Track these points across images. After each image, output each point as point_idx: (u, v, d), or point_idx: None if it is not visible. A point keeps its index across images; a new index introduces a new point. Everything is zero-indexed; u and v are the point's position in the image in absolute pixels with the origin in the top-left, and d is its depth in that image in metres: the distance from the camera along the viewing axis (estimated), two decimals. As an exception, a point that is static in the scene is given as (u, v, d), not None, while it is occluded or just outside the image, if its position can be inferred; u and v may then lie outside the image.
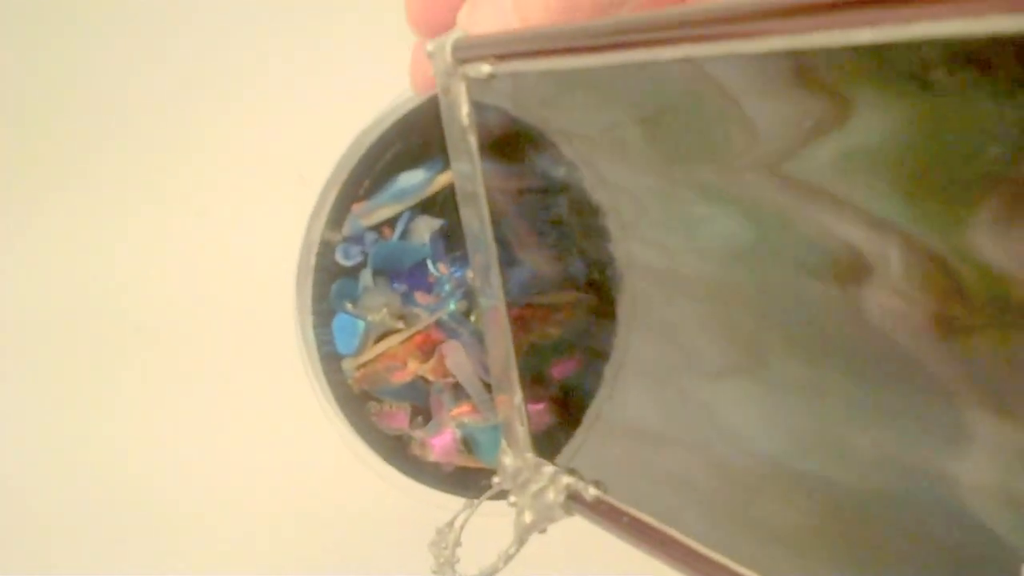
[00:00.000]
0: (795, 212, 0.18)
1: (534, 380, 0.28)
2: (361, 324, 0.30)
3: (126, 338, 0.50)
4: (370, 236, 0.31)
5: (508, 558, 0.26)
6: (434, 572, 0.27)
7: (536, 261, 0.28)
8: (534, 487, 0.27)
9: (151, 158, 0.52)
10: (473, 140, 0.27)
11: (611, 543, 0.24)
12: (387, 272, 0.31)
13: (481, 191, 0.27)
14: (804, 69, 0.17)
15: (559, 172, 0.26)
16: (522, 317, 0.28)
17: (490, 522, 0.28)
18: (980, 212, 0.15)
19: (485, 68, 0.26)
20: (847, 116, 0.17)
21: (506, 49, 0.25)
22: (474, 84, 0.27)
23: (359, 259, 0.31)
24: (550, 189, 0.27)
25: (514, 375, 0.28)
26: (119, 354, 0.50)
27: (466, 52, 0.26)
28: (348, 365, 0.30)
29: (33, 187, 0.52)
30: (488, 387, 0.31)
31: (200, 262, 0.51)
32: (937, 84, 0.15)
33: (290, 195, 0.37)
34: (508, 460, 0.28)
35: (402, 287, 0.31)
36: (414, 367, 0.30)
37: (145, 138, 0.52)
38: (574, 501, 0.26)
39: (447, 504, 0.31)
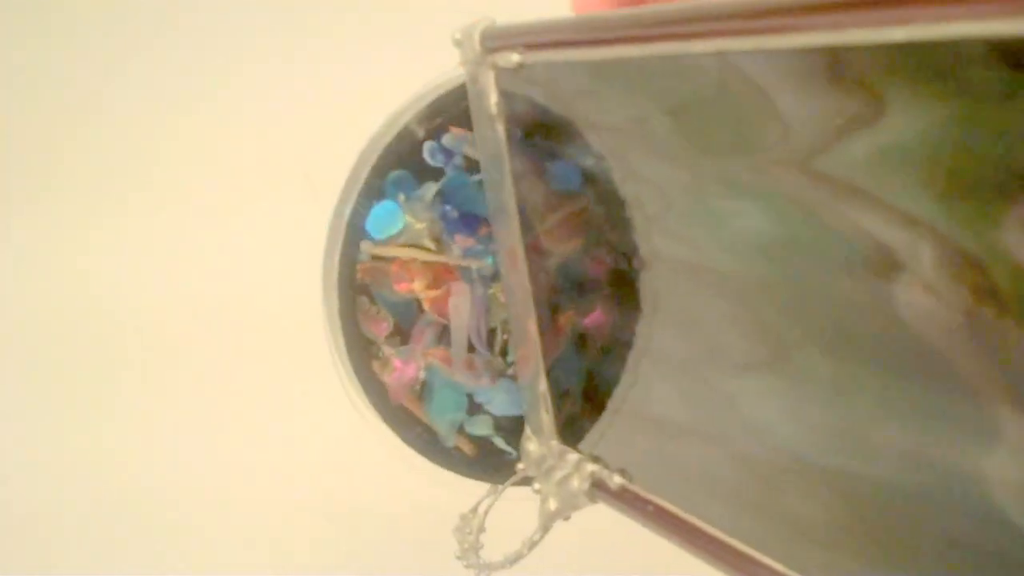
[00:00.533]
0: (824, 208, 0.18)
1: (558, 363, 0.29)
2: (401, 221, 0.30)
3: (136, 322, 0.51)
4: (458, 159, 0.30)
5: (533, 544, 0.26)
6: (458, 557, 0.27)
7: (562, 249, 0.28)
8: (559, 474, 0.27)
9: (157, 148, 0.53)
10: (501, 128, 0.27)
11: (630, 532, 0.24)
12: (449, 199, 0.30)
13: (508, 180, 0.27)
14: (836, 66, 0.17)
15: (586, 162, 0.26)
16: (547, 300, 0.28)
17: (513, 506, 0.28)
18: (1012, 211, 0.15)
19: (515, 57, 0.26)
20: (879, 114, 0.17)
21: (536, 39, 0.25)
22: (503, 73, 0.27)
23: (437, 166, 0.30)
24: (577, 180, 0.27)
25: (539, 361, 0.28)
26: (130, 342, 0.51)
27: (495, 41, 0.26)
28: (366, 247, 0.30)
29: (37, 191, 0.53)
30: (471, 348, 0.31)
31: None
32: (970, 83, 0.15)
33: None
34: (533, 447, 0.28)
35: (453, 220, 0.30)
36: (418, 287, 0.30)
37: (148, 133, 0.53)
38: (598, 489, 0.26)
39: (362, 429, 0.32)
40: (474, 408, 0.31)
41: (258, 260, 0.50)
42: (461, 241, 0.31)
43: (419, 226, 0.30)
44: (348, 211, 0.30)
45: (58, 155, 0.53)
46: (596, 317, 0.28)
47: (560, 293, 0.28)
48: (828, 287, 0.19)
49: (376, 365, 0.31)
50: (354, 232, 0.30)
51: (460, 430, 0.31)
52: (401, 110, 0.30)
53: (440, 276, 0.31)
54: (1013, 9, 0.14)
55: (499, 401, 0.30)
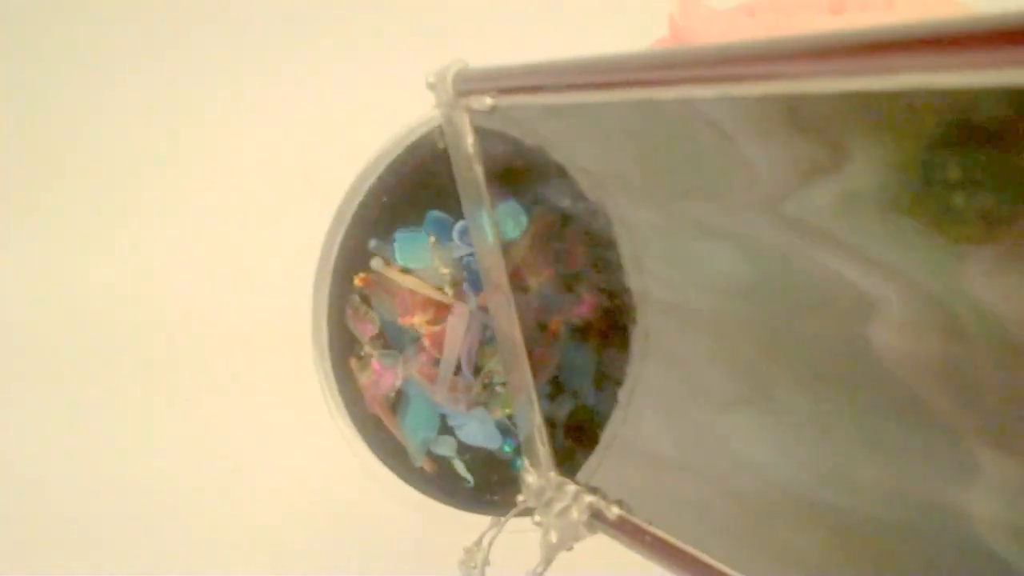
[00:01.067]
0: (794, 250, 0.19)
1: (551, 396, 0.29)
2: (427, 261, 0.30)
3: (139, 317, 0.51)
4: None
5: (536, 577, 0.27)
6: (465, 592, 0.28)
7: (549, 286, 0.28)
8: (558, 506, 0.27)
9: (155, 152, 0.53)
10: (479, 169, 0.28)
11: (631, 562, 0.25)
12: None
13: (490, 221, 0.28)
14: (797, 114, 0.18)
15: (567, 202, 0.26)
16: (537, 336, 0.29)
17: (514, 538, 0.29)
18: (976, 256, 0.15)
19: (488, 101, 0.26)
20: (841, 160, 0.17)
21: (507, 83, 0.25)
22: (477, 114, 0.27)
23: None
24: (557, 218, 0.27)
25: (532, 391, 0.29)
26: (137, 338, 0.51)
27: (468, 84, 0.27)
28: (376, 264, 0.30)
29: (37, 192, 0.53)
30: (458, 370, 0.31)
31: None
32: (928, 132, 0.16)
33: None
34: (532, 479, 0.29)
35: (477, 274, 0.30)
36: (419, 320, 0.30)
37: (144, 135, 0.53)
38: (597, 520, 0.26)
39: (328, 426, 0.31)
40: (444, 429, 0.31)
41: (258, 259, 0.51)
42: (481, 298, 0.31)
43: (443, 271, 0.30)
44: (356, 204, 0.30)
45: (58, 159, 0.53)
46: (585, 352, 0.28)
47: (549, 329, 0.28)
48: (804, 327, 0.19)
49: (354, 363, 0.31)
50: (364, 239, 0.30)
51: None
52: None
53: (443, 313, 0.31)
54: (962, 63, 0.14)
55: (470, 429, 0.30)
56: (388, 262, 0.30)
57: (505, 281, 0.28)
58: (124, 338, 0.52)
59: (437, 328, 0.30)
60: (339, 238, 0.30)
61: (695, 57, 0.19)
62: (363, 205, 0.30)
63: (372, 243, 0.30)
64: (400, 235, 0.30)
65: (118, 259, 0.53)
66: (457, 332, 0.30)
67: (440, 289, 0.30)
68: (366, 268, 0.30)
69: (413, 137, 0.29)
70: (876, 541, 0.19)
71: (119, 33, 0.54)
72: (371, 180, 0.30)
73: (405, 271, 0.30)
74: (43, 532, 0.49)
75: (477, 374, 0.31)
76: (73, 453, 0.50)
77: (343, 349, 0.31)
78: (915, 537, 0.18)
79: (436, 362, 0.31)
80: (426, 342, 0.30)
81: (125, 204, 0.53)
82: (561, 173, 0.26)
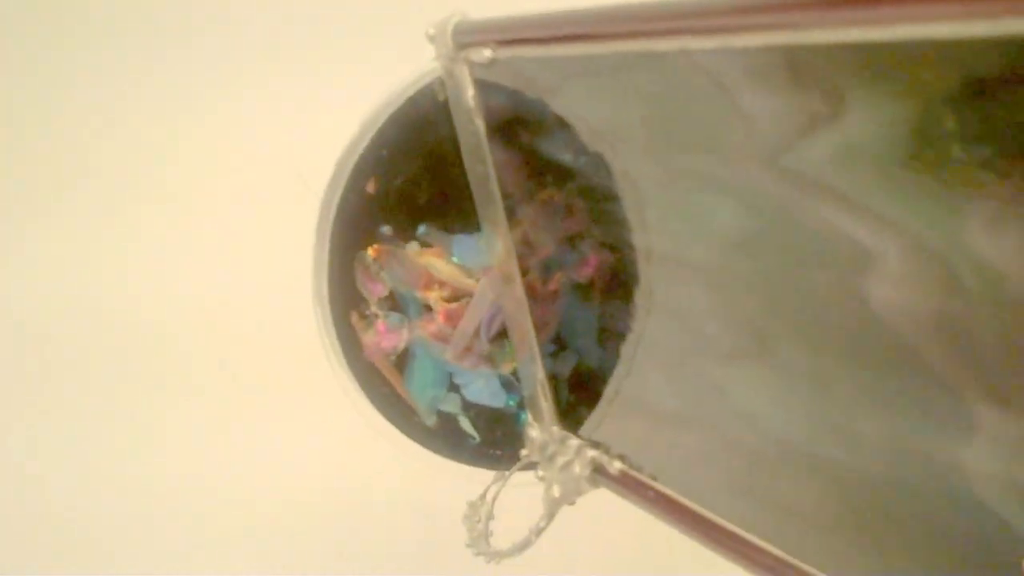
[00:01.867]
0: (794, 204, 0.19)
1: (554, 352, 0.29)
2: (483, 259, 0.30)
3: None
4: None
5: (540, 531, 0.27)
6: (468, 545, 0.28)
7: (551, 240, 0.28)
8: (561, 460, 0.27)
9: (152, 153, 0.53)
10: (480, 122, 0.27)
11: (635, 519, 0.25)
12: None
13: (492, 173, 0.27)
14: (795, 65, 0.17)
15: (568, 156, 0.26)
16: (539, 290, 0.28)
17: (518, 492, 0.29)
18: (972, 209, 0.15)
19: (486, 53, 0.26)
20: (840, 112, 0.17)
21: (506, 35, 0.25)
22: (477, 66, 0.27)
23: None
24: (559, 172, 0.27)
25: (535, 348, 0.29)
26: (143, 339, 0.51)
27: (468, 37, 0.26)
28: (412, 249, 0.30)
29: (34, 193, 0.53)
30: (476, 336, 0.31)
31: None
32: (929, 83, 0.15)
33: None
34: (535, 433, 0.29)
35: None
36: (434, 296, 0.30)
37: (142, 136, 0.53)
38: (599, 474, 0.26)
39: (327, 372, 0.31)
40: (451, 386, 0.31)
41: (257, 255, 0.51)
42: None
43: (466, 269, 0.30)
44: (354, 158, 0.30)
45: (50, 160, 0.53)
46: (589, 305, 0.28)
47: (551, 284, 0.28)
48: (806, 281, 0.19)
49: (356, 318, 0.31)
50: (360, 179, 0.30)
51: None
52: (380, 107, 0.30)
53: (461, 294, 0.30)
54: (961, 13, 0.14)
55: (475, 387, 0.30)
56: (442, 254, 0.30)
57: (507, 235, 0.28)
58: (124, 336, 0.51)
59: (453, 305, 0.30)
60: (339, 191, 0.30)
61: (695, 7, 0.19)
62: (364, 157, 0.30)
63: (421, 229, 0.30)
64: (469, 240, 0.30)
65: (117, 256, 0.53)
66: (486, 297, 0.30)
67: (473, 278, 0.30)
68: (379, 239, 0.30)
69: (413, 90, 0.29)
70: (876, 496, 0.19)
71: (119, 34, 0.54)
72: (372, 132, 0.29)
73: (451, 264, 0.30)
74: (43, 532, 0.49)
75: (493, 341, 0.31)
76: (73, 454, 0.50)
77: (345, 303, 0.30)
78: (913, 491, 0.18)
79: (445, 332, 0.31)
80: (439, 317, 0.30)
81: (123, 199, 0.53)
82: (562, 126, 0.26)
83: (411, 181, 0.30)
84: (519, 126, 0.27)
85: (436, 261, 0.30)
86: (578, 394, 0.28)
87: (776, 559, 0.21)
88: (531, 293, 0.28)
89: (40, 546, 0.49)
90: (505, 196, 0.28)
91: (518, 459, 0.29)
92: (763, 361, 0.21)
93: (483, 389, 0.30)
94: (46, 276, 0.53)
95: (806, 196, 0.18)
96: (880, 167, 0.17)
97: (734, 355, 0.22)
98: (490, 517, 0.28)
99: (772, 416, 0.21)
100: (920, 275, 0.17)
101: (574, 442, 0.27)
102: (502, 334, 0.30)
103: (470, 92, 0.27)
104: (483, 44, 0.26)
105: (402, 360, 0.31)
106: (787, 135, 0.18)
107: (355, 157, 0.30)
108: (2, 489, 0.50)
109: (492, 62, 0.26)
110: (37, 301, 0.53)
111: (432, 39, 0.27)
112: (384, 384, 0.31)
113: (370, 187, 0.30)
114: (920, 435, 0.17)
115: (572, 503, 0.27)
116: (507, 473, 0.29)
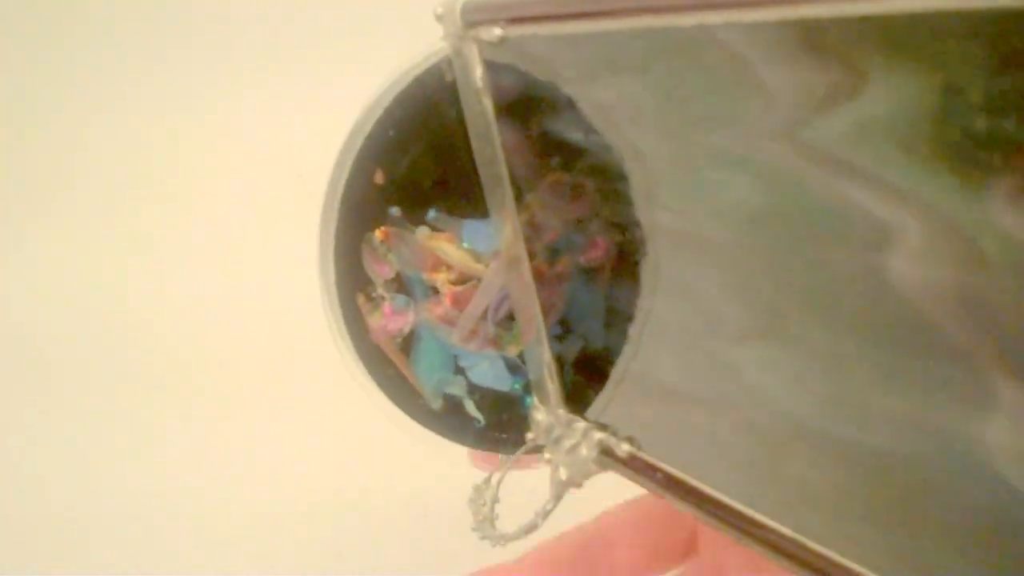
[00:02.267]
0: (812, 179, 0.18)
1: (560, 333, 0.29)
2: (493, 244, 0.29)
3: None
4: None
5: (546, 514, 0.27)
6: (473, 529, 0.28)
7: (559, 222, 0.28)
8: (567, 443, 0.27)
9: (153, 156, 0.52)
10: (488, 102, 0.27)
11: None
12: None
13: (499, 155, 0.27)
14: (814, 38, 0.17)
15: (577, 136, 0.26)
16: (546, 271, 0.28)
17: (524, 475, 0.29)
18: (996, 183, 0.15)
19: (496, 31, 0.25)
20: (860, 86, 0.17)
21: (517, 12, 0.25)
22: (486, 45, 0.26)
23: None
24: (568, 153, 0.27)
25: (542, 330, 0.28)
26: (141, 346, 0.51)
27: (476, 15, 0.26)
28: (422, 233, 0.29)
29: (34, 193, 0.53)
30: (482, 319, 0.30)
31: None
32: (950, 55, 0.15)
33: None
34: (541, 416, 0.28)
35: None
36: (441, 278, 0.30)
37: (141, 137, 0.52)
38: (607, 456, 0.26)
39: (322, 345, 0.31)
40: (456, 369, 0.31)
41: (260, 250, 0.51)
42: None
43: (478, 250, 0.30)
44: (360, 139, 0.29)
45: (50, 160, 0.53)
46: (596, 287, 0.28)
47: (558, 264, 0.28)
48: (821, 257, 0.19)
49: (362, 299, 0.30)
50: (367, 160, 0.29)
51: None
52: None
53: (468, 277, 0.30)
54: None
55: (480, 370, 0.30)
56: (452, 239, 0.30)
57: (514, 217, 0.27)
58: (124, 336, 0.51)
59: (460, 288, 0.30)
60: (346, 172, 0.29)
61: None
62: (370, 137, 0.29)
63: (431, 214, 0.30)
64: (478, 226, 0.29)
65: (117, 255, 0.52)
66: (495, 283, 0.30)
67: (482, 263, 0.30)
68: (387, 221, 0.30)
69: (420, 70, 0.29)
70: (893, 474, 0.19)
71: (119, 34, 0.53)
72: (378, 112, 0.29)
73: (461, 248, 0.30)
74: (43, 532, 0.49)
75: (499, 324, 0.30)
76: (72, 454, 0.50)
77: (352, 285, 0.30)
78: (931, 470, 0.18)
79: (452, 315, 0.30)
80: (446, 300, 0.30)
81: (123, 199, 0.53)
82: (571, 105, 0.26)
83: (419, 162, 0.30)
84: (528, 106, 0.27)
85: (446, 246, 0.30)
86: (585, 376, 0.28)
87: (789, 539, 0.21)
88: (538, 276, 0.28)
89: (40, 546, 0.48)
90: (513, 178, 0.28)
91: (524, 442, 0.29)
92: (776, 339, 0.20)
93: (488, 371, 0.30)
94: (46, 276, 0.53)
95: (822, 171, 0.18)
96: (901, 141, 0.16)
97: (745, 334, 0.21)
98: (495, 500, 0.28)
99: (785, 395, 0.21)
100: (940, 250, 0.16)
101: (581, 424, 0.27)
102: (508, 317, 0.30)
103: (478, 72, 0.27)
104: (493, 22, 0.25)
105: (408, 342, 0.30)
106: (804, 109, 0.18)
107: (361, 138, 0.29)
108: (2, 489, 0.50)
109: (502, 40, 0.25)
110: (37, 301, 0.53)
111: (440, 18, 0.27)
112: (390, 366, 0.30)
113: (376, 168, 0.30)
114: (938, 412, 0.17)
115: (579, 486, 0.27)
116: (512, 457, 0.29)
